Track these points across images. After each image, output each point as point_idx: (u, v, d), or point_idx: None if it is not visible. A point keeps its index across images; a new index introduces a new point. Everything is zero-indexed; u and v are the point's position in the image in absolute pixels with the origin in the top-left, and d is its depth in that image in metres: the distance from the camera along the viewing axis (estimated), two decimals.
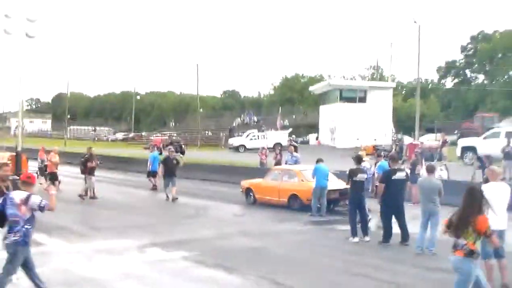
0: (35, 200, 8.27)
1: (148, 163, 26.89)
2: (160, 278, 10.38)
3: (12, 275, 8.39)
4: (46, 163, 26.28)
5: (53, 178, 24.14)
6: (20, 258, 8.30)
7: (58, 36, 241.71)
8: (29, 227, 8.32)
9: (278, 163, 29.17)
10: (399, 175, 13.74)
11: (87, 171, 22.47)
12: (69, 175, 29.66)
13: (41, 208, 8.29)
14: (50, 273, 10.54)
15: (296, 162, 24.51)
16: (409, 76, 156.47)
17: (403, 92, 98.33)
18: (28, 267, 8.52)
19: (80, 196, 22.23)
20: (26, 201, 8.24)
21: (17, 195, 8.36)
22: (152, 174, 26.21)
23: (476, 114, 59.45)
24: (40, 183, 24.63)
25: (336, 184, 18.72)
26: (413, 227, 14.05)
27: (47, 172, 24.92)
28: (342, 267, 11.35)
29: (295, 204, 19.40)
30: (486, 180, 10.21)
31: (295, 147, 31.42)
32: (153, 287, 9.72)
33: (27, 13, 27.87)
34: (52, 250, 12.84)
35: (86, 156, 23.11)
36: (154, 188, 25.76)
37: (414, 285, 9.98)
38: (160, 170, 22.62)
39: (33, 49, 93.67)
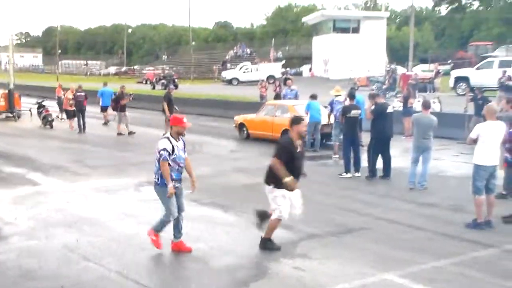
0: (160, 144, 8.20)
1: (99, 99, 27.16)
2: (156, 218, 10.53)
3: (170, 215, 8.38)
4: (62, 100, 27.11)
5: (68, 115, 25.09)
6: (165, 198, 8.32)
7: None
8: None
9: (278, 96, 29.21)
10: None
11: (119, 108, 23.12)
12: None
13: (159, 156, 8.14)
14: (47, 213, 10.75)
15: (296, 95, 24.41)
16: (403, 4, 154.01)
17: (396, 20, 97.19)
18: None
19: (119, 134, 22.90)
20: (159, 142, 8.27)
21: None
22: (103, 109, 26.90)
23: (470, 43, 59.09)
24: (58, 117, 27.41)
25: (327, 118, 18.79)
26: (405, 161, 14.28)
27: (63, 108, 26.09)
28: (336, 204, 11.56)
29: None
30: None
31: (291, 80, 31.41)
32: (149, 226, 9.87)
33: None
34: (48, 190, 12.96)
35: (118, 94, 23.79)
36: (106, 123, 26.70)
37: (404, 220, 10.20)
38: (166, 107, 21.81)
39: None
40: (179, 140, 8.34)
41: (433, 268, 7.77)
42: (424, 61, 57.13)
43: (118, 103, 23.33)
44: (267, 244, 8.53)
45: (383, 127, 13.75)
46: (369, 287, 7.14)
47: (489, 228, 9.52)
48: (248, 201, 11.67)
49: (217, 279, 7.49)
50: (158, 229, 8.51)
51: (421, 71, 46.18)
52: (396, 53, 67.57)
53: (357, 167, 14.28)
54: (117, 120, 23.42)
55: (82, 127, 23.61)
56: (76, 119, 24.04)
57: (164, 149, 8.11)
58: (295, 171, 8.28)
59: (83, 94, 24.26)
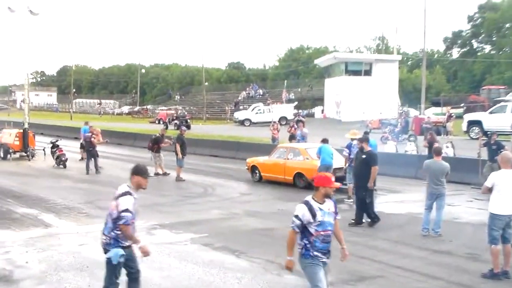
0: (296, 210, 6.82)
1: (81, 136, 28.01)
2: (168, 262, 10.49)
3: None
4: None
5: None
6: (309, 274, 6.94)
7: (62, 8, 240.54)
8: (305, 239, 6.89)
9: (292, 136, 29.33)
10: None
11: (155, 149, 23.23)
12: (76, 151, 29.82)
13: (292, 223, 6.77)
14: (59, 256, 10.72)
15: (303, 138, 24.66)
16: (415, 46, 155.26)
17: (408, 63, 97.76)
18: None
19: (156, 174, 22.68)
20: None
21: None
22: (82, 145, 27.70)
23: (483, 87, 59.15)
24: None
25: (341, 162, 18.73)
26: (419, 207, 14.16)
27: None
28: (349, 250, 11.33)
29: (300, 182, 19.52)
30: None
31: (303, 122, 31.75)
32: (161, 272, 9.81)
33: None
34: (60, 232, 12.97)
35: (157, 137, 23.76)
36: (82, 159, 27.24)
37: (418, 268, 10.05)
38: (178, 148, 21.92)
39: (38, 24, 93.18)
40: (324, 202, 6.88)
41: None
42: (436, 104, 57.19)
43: (157, 144, 23.31)
44: None
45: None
46: None
47: (506, 278, 9.36)
48: (260, 246, 11.60)
49: None
50: None
51: (433, 114, 46.22)
52: (409, 95, 67.71)
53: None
54: (153, 161, 23.26)
55: (95, 168, 23.46)
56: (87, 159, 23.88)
57: (296, 217, 6.75)
58: None
59: (89, 134, 24.27)
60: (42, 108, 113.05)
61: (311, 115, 64.30)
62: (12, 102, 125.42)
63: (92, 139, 23.82)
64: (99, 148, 24.56)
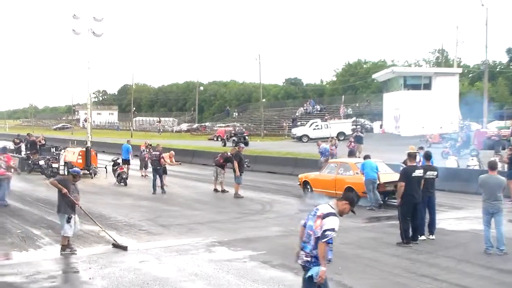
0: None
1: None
2: (227, 279, 10.52)
3: None
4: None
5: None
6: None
7: (123, 29, 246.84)
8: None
9: (352, 152, 29.32)
10: (417, 172, 13.52)
11: (221, 166, 23.29)
12: (135, 168, 30.40)
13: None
14: (120, 272, 10.91)
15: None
16: (476, 59, 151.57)
17: (469, 76, 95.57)
18: None
19: (215, 191, 23.46)
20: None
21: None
22: (124, 162, 29.28)
23: None
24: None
25: (391, 176, 18.75)
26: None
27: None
28: (409, 267, 11.22)
29: None
30: None
31: (360, 137, 31.75)
32: None
33: (94, 13, 28.77)
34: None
35: (231, 154, 23.60)
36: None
37: None
38: (236, 165, 22.08)
39: (100, 45, 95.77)
40: None
41: None
42: (500, 117, 55.63)
43: (226, 162, 23.28)
44: None
45: (406, 192, 13.26)
46: None
47: None
48: None
49: None
50: None
51: (496, 127, 44.97)
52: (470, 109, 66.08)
53: (432, 229, 13.88)
54: (215, 177, 23.59)
55: (160, 186, 23.35)
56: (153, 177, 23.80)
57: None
58: None
59: (157, 153, 24.12)
60: (103, 127, 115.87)
61: (370, 130, 63.58)
62: (76, 121, 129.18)
63: (162, 159, 23.91)
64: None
